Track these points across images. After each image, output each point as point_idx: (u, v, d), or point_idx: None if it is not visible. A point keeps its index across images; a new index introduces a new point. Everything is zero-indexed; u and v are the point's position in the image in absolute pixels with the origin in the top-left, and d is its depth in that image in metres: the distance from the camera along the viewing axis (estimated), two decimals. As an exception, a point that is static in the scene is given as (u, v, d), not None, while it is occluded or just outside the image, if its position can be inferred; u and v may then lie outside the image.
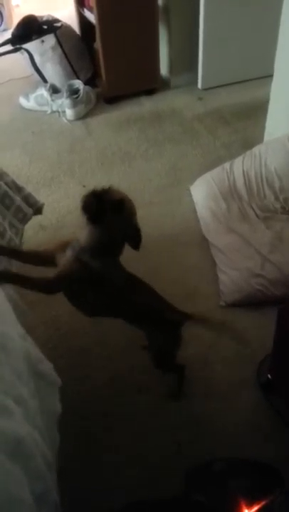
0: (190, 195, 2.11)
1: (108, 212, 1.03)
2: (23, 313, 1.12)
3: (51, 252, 1.13)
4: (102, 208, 1.02)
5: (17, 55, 2.90)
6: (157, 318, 1.22)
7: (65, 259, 1.10)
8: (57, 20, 2.92)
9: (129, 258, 1.85)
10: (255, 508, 0.91)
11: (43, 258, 1.15)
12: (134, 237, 1.14)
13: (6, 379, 0.78)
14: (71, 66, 2.89)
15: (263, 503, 0.92)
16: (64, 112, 2.76)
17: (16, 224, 1.31)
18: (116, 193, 1.05)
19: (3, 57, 2.88)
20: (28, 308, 1.31)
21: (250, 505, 0.92)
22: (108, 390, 1.41)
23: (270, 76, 2.13)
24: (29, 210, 1.39)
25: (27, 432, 0.74)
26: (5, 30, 3.97)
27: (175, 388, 1.39)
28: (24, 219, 1.37)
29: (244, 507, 0.91)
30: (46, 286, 1.12)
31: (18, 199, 1.35)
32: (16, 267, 1.20)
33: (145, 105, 2.84)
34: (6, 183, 1.36)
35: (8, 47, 2.86)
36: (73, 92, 2.74)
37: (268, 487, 0.97)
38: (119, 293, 1.16)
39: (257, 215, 1.88)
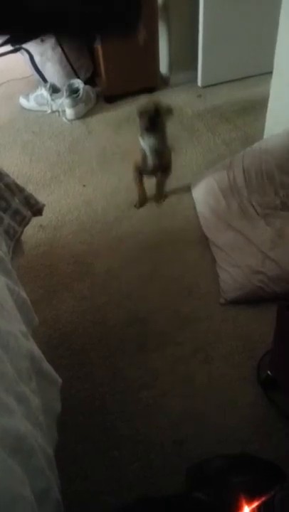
0: (190, 192, 2.12)
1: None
2: (29, 312, 1.12)
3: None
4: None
5: (17, 55, 2.91)
6: None
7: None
8: (56, 20, 2.92)
9: (129, 255, 1.87)
10: (256, 504, 0.91)
11: None
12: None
13: (7, 377, 0.78)
14: (71, 65, 2.89)
15: (263, 499, 0.92)
16: (64, 111, 2.76)
17: (15, 227, 1.32)
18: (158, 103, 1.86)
19: (2, 57, 2.89)
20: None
21: (250, 502, 0.92)
22: (109, 388, 1.42)
23: (270, 73, 2.13)
24: (28, 213, 1.40)
25: (28, 429, 0.74)
26: (4, 30, 3.97)
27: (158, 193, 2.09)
28: (23, 222, 1.37)
29: (245, 503, 0.92)
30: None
31: (16, 201, 1.36)
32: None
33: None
34: (7, 184, 1.36)
35: (8, 47, 2.87)
36: (73, 92, 2.75)
37: (269, 483, 0.97)
38: None
39: (257, 212, 1.88)
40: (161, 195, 2.06)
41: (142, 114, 1.81)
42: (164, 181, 2.06)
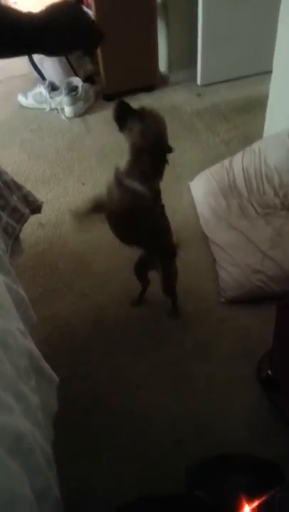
0: (190, 191, 2.11)
1: (129, 116, 1.18)
2: (27, 310, 1.11)
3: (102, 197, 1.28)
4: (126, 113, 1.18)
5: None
6: (168, 247, 1.40)
7: (111, 192, 1.25)
8: (55, 17, 2.91)
9: (129, 254, 1.86)
10: (256, 503, 0.91)
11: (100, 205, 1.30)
12: (161, 146, 1.23)
13: (6, 375, 0.78)
14: (69, 63, 2.88)
15: (263, 498, 0.91)
16: (63, 109, 2.75)
17: (13, 224, 1.31)
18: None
19: (1, 54, 2.88)
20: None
21: (250, 501, 0.92)
22: (108, 387, 1.41)
23: (269, 72, 2.13)
24: (26, 210, 1.39)
25: (27, 428, 0.73)
26: (3, 27, 3.95)
27: (172, 312, 1.59)
28: (21, 219, 1.37)
29: (245, 502, 0.91)
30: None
31: (14, 199, 1.35)
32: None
33: (144, 102, 2.84)
34: (5, 182, 1.35)
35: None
36: (72, 90, 2.74)
37: (268, 483, 0.96)
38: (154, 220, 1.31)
39: (256, 212, 1.87)
40: (174, 309, 1.57)
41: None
42: (171, 284, 1.49)
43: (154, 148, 1.20)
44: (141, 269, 1.50)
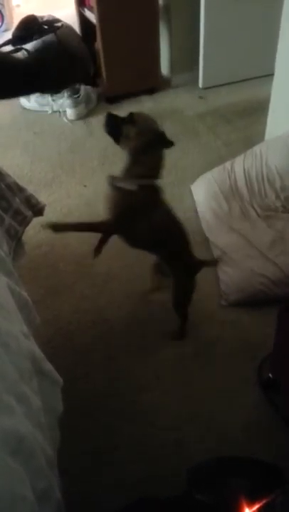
0: (191, 194, 2.11)
1: (122, 125, 1.20)
2: (31, 312, 1.12)
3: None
4: (117, 123, 1.21)
5: (18, 55, 2.91)
6: (181, 257, 1.35)
7: (110, 199, 1.25)
8: (57, 20, 2.92)
9: (129, 256, 1.86)
10: (257, 506, 0.91)
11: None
12: (160, 140, 1.22)
13: (8, 377, 0.78)
14: (72, 66, 2.89)
15: (264, 501, 0.91)
16: (65, 111, 2.76)
17: (16, 226, 1.32)
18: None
19: (4, 57, 2.89)
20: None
21: (251, 504, 0.92)
22: (109, 389, 1.41)
23: (271, 75, 2.13)
24: (29, 213, 1.40)
25: (28, 430, 0.74)
26: (6, 30, 3.97)
27: (178, 331, 1.52)
28: (24, 222, 1.37)
29: (245, 505, 0.91)
30: (107, 227, 1.28)
31: (17, 201, 1.35)
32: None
33: (146, 104, 2.84)
34: (8, 185, 1.36)
35: (9, 47, 2.86)
36: (74, 92, 2.74)
37: (270, 486, 0.96)
38: (161, 222, 1.28)
39: (258, 214, 1.88)
40: (180, 331, 1.53)
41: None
42: (180, 301, 1.47)
43: (153, 143, 1.21)
44: (156, 271, 1.51)
